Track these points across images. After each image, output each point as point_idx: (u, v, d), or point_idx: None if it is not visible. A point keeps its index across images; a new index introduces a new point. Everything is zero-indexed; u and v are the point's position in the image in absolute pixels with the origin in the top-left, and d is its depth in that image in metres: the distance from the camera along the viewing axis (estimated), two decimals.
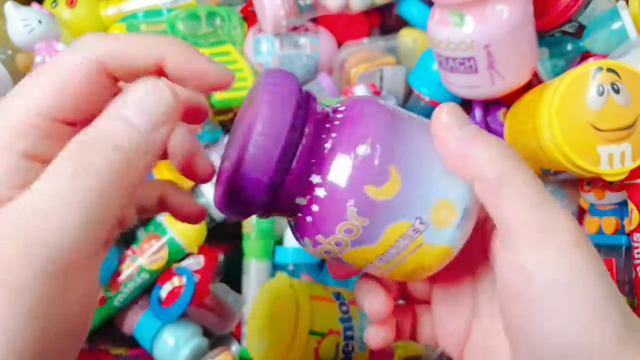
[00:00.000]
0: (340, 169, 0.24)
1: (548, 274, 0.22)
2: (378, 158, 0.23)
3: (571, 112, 0.47)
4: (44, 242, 0.19)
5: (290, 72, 0.25)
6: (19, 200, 0.20)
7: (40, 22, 0.55)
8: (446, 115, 0.25)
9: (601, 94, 0.46)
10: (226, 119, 0.68)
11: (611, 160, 0.47)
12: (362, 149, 0.24)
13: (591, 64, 0.47)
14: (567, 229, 0.22)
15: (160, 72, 0.24)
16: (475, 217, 0.26)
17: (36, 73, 0.22)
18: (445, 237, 0.25)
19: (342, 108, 0.26)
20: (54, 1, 0.65)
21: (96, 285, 0.23)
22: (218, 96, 0.62)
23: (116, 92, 0.24)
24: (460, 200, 0.25)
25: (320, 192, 0.24)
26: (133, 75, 0.23)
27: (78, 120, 0.23)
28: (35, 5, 0.57)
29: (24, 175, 0.21)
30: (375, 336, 0.29)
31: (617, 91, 0.46)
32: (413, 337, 0.32)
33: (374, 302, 0.29)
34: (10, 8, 0.55)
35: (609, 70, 0.47)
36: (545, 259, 0.22)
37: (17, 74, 0.61)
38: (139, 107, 0.21)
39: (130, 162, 0.21)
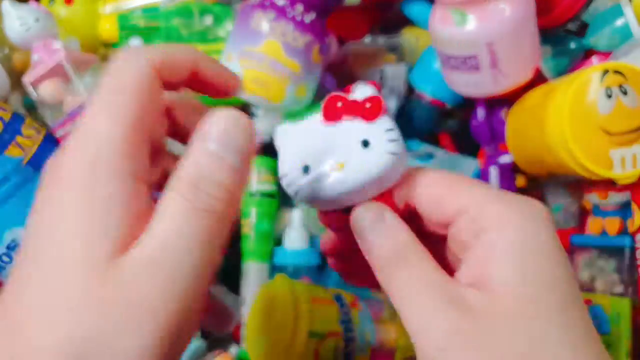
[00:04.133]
0: None
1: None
2: None
3: (581, 117, 0.46)
4: (154, 313, 0.19)
5: None
6: (138, 256, 0.20)
7: (37, 20, 0.55)
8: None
9: (610, 96, 0.46)
10: None
11: (623, 164, 0.47)
12: None
13: (596, 67, 0.47)
14: None
15: (194, 77, 0.25)
16: None
17: (107, 88, 0.22)
18: None
19: None
20: None
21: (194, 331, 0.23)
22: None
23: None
24: None
25: None
26: (176, 81, 0.24)
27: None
28: (32, 3, 0.57)
29: (139, 200, 0.21)
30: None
31: (625, 93, 0.46)
32: None
33: None
34: (7, 6, 0.55)
35: (616, 72, 0.47)
36: None
37: (14, 73, 0.61)
38: (227, 142, 0.21)
39: (231, 202, 0.21)
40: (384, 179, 0.25)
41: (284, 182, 0.26)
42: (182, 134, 0.28)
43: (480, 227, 0.23)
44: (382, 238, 0.24)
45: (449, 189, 0.25)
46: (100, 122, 0.21)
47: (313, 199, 0.26)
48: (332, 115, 0.26)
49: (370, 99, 0.25)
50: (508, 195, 0.24)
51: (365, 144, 0.25)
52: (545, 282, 0.22)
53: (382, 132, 0.25)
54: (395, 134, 0.25)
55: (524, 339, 0.21)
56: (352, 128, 0.25)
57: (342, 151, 0.25)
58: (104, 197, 0.20)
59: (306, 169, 0.25)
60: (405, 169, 0.26)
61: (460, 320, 0.21)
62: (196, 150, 0.22)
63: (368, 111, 0.25)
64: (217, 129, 0.21)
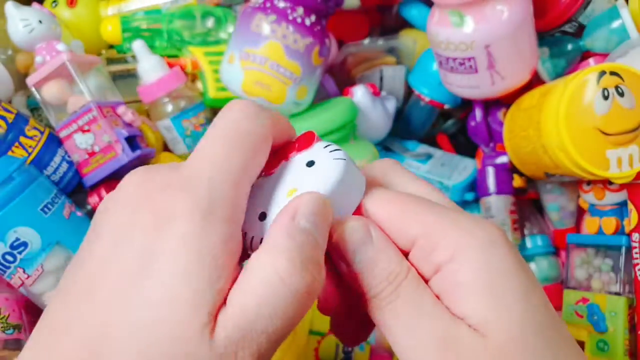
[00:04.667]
0: None
1: None
2: None
3: (578, 118, 0.47)
4: None
5: None
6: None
7: (40, 22, 0.55)
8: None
9: (606, 98, 0.46)
10: None
11: (620, 164, 0.47)
12: None
13: (593, 68, 0.47)
14: None
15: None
16: None
17: (229, 137, 0.23)
18: None
19: None
20: (54, 1, 0.65)
21: None
22: (213, 94, 0.62)
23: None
24: None
25: None
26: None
27: None
28: (35, 5, 0.57)
29: (239, 245, 0.22)
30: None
31: (621, 94, 0.47)
32: None
33: None
34: (10, 8, 0.55)
35: (612, 73, 0.47)
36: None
37: (18, 74, 0.61)
38: (316, 223, 0.22)
39: (322, 279, 0.22)
40: (344, 191, 0.24)
41: (247, 243, 0.24)
42: None
43: (436, 259, 0.23)
44: (373, 262, 0.23)
45: (399, 217, 0.24)
46: (217, 169, 0.22)
47: None
48: (270, 167, 0.25)
49: (299, 137, 0.26)
50: (460, 219, 0.23)
51: (310, 163, 0.24)
52: (520, 311, 0.22)
53: (322, 149, 0.25)
54: (334, 146, 0.25)
55: None
56: (292, 162, 0.25)
57: (291, 181, 0.24)
58: (212, 245, 0.20)
59: (263, 216, 0.24)
60: (363, 185, 0.25)
61: None
62: (288, 224, 0.22)
63: (300, 144, 0.25)
64: (306, 209, 0.22)
